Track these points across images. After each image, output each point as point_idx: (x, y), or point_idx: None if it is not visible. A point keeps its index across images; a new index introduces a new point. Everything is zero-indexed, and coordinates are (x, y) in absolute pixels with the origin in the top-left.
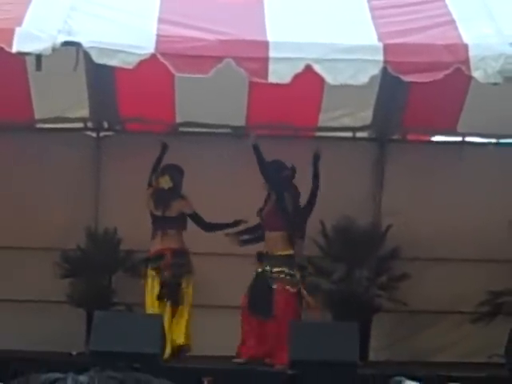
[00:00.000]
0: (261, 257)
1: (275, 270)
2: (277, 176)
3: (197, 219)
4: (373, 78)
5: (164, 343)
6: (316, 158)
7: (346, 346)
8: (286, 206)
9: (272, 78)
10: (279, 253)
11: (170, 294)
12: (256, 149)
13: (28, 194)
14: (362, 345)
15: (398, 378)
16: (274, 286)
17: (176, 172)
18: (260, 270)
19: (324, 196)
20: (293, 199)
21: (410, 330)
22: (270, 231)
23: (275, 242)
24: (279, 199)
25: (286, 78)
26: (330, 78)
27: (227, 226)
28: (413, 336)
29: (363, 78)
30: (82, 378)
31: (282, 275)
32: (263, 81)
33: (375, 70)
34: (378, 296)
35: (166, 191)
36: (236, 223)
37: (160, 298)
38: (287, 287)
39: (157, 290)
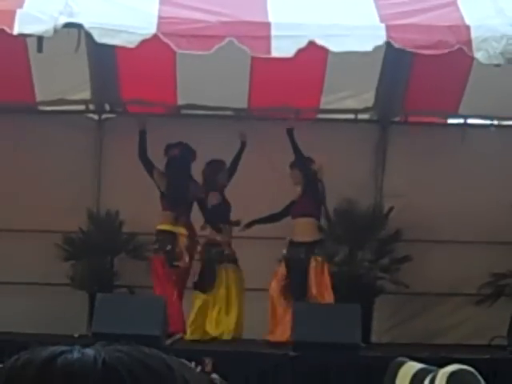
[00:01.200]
0: None
1: None
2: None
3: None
4: (375, 58)
5: (167, 325)
6: (289, 132)
7: (349, 328)
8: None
9: (275, 53)
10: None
11: None
12: (142, 133)
13: (30, 177)
14: (364, 327)
15: (400, 359)
16: None
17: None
18: None
19: (325, 178)
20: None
21: (412, 312)
22: None
23: None
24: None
25: (289, 53)
26: (333, 47)
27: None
28: (415, 318)
29: (367, 47)
30: (89, 350)
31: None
32: (266, 55)
33: (379, 41)
34: (380, 278)
35: None
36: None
37: None
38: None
39: None
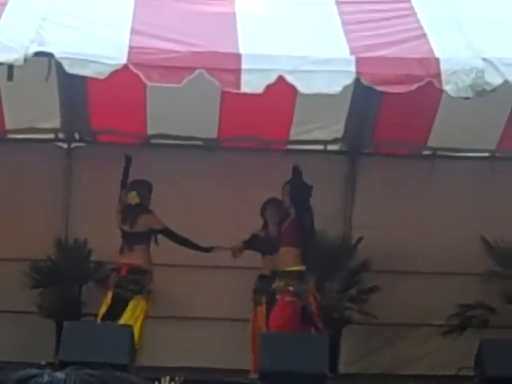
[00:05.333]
0: None
1: None
2: None
3: (168, 234)
4: (345, 91)
5: (134, 354)
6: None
7: (316, 357)
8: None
9: (244, 88)
10: None
11: (113, 315)
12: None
13: None
14: (332, 357)
15: None
16: None
17: (143, 188)
18: None
19: None
20: None
21: (380, 343)
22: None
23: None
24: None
25: (258, 89)
26: (302, 88)
27: (198, 248)
28: (383, 349)
29: (336, 88)
30: (59, 374)
31: None
32: (236, 91)
33: (348, 80)
34: (347, 308)
35: (134, 207)
36: (208, 249)
37: (102, 318)
38: None
39: (107, 304)
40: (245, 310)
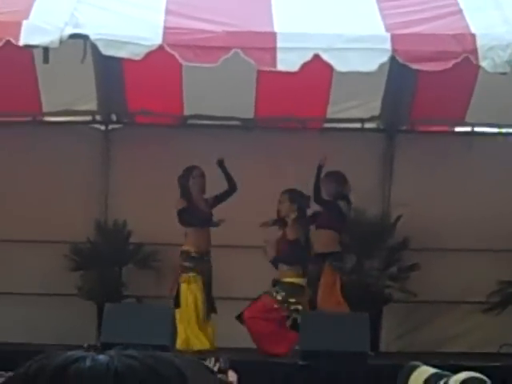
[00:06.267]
0: None
1: None
2: None
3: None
4: (381, 68)
5: (175, 335)
6: (319, 169)
7: (357, 336)
8: None
9: (280, 66)
10: None
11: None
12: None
13: (37, 188)
14: (373, 335)
15: (414, 363)
16: None
17: (181, 174)
18: None
19: None
20: None
21: (420, 321)
22: None
23: None
24: None
25: (294, 67)
26: (338, 66)
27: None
28: (423, 326)
29: (372, 66)
30: (102, 357)
31: None
32: (272, 69)
33: (384, 58)
34: (388, 287)
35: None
36: (216, 224)
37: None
38: None
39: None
40: None
